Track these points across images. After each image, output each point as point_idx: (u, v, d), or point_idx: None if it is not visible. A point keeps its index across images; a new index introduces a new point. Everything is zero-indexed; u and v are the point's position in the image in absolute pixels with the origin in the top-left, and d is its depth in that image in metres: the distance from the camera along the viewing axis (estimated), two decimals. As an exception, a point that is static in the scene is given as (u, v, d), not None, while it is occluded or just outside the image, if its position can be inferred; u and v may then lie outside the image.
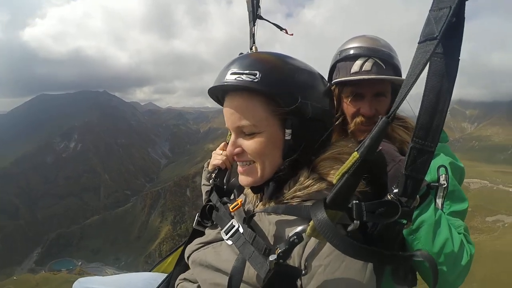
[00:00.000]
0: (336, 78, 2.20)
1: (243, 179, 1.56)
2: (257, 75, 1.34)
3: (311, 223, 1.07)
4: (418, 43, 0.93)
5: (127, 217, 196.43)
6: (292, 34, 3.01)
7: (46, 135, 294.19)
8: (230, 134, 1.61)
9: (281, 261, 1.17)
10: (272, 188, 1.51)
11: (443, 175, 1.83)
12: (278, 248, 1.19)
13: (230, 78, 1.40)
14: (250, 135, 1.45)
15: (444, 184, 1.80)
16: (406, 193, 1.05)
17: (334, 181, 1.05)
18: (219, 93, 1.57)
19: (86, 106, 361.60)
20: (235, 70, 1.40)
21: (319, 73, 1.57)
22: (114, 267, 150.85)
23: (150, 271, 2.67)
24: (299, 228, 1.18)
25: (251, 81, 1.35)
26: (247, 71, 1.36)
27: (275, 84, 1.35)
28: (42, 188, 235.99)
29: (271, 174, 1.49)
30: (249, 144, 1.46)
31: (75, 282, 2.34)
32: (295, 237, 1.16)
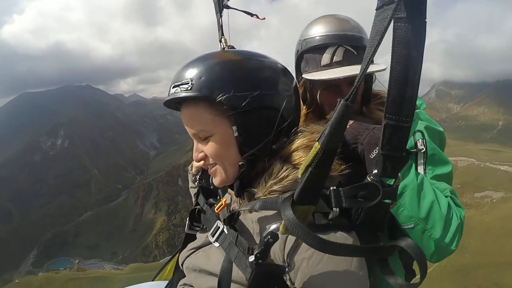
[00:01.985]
0: (306, 71, 2.09)
1: (214, 180, 1.57)
2: (189, 82, 1.36)
3: (282, 222, 1.03)
4: (375, 9, 0.85)
5: (120, 211, 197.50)
6: (264, 18, 2.90)
7: (32, 134, 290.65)
8: None
9: (260, 261, 1.15)
10: (237, 185, 1.51)
11: (420, 139, 1.76)
12: (255, 249, 1.18)
13: (172, 92, 1.42)
14: (205, 139, 1.47)
15: (423, 148, 1.74)
16: (386, 173, 1.00)
17: (299, 176, 0.99)
18: (173, 106, 1.57)
19: (70, 102, 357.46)
20: (174, 83, 1.42)
21: (269, 61, 1.51)
22: (112, 262, 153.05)
23: (153, 280, 2.70)
24: (273, 227, 1.17)
25: (186, 90, 1.36)
26: (181, 81, 1.38)
27: (208, 86, 1.35)
28: (32, 188, 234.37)
29: (235, 172, 1.49)
30: (206, 149, 1.48)
31: None
32: (269, 236, 1.15)
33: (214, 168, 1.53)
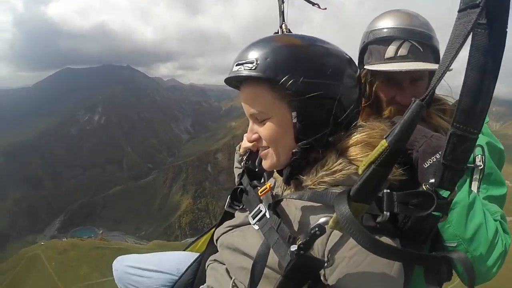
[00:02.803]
0: (369, 62, 2.04)
1: (264, 163, 1.55)
2: (254, 62, 1.34)
3: (334, 215, 1.00)
4: (458, 11, 0.82)
5: (149, 189, 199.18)
6: (325, 8, 2.86)
7: (70, 108, 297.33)
8: None
9: (302, 252, 1.12)
10: (287, 172, 1.49)
11: (479, 155, 1.67)
12: (299, 239, 1.15)
13: (235, 69, 1.41)
14: (262, 121, 1.45)
15: (480, 165, 1.65)
16: (444, 184, 0.96)
17: (360, 172, 0.97)
18: (234, 83, 1.58)
19: (110, 80, 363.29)
20: (238, 61, 1.41)
21: (335, 50, 1.47)
22: (135, 236, 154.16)
23: (184, 250, 2.72)
24: (321, 220, 1.12)
25: (250, 69, 1.35)
26: (246, 60, 1.37)
27: (273, 68, 1.32)
28: (66, 159, 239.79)
29: (287, 158, 1.46)
30: (262, 130, 1.46)
31: (114, 262, 2.46)
32: (316, 229, 1.11)
33: (266, 151, 1.50)
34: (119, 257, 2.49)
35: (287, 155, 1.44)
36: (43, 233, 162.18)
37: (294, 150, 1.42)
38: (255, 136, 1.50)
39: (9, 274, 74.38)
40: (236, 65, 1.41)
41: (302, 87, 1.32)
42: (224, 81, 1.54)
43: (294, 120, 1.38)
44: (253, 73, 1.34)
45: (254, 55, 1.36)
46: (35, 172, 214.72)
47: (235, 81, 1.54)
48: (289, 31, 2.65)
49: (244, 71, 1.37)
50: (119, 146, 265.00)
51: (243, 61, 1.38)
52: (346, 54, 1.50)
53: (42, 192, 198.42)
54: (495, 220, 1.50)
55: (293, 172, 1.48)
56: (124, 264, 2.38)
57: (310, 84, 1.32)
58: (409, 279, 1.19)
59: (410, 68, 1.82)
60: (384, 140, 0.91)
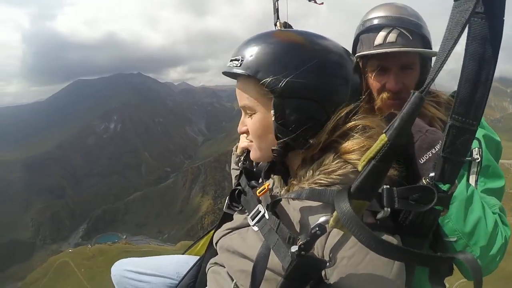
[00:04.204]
0: (360, 51, 2.07)
1: (250, 154, 1.57)
2: (239, 59, 1.36)
3: (334, 213, 0.98)
4: (454, 0, 0.80)
5: (169, 193, 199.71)
6: (322, 3, 2.82)
7: (86, 118, 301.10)
8: None
9: (302, 252, 1.09)
10: (265, 168, 1.55)
11: (476, 148, 1.68)
12: (300, 239, 1.12)
13: (228, 64, 1.44)
14: (250, 115, 1.47)
15: (478, 158, 1.66)
16: (444, 178, 0.95)
17: (360, 168, 0.94)
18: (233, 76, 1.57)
19: (122, 89, 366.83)
20: (231, 57, 1.43)
21: (327, 48, 1.41)
22: (158, 239, 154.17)
23: (183, 254, 2.69)
24: (321, 219, 1.10)
25: (236, 66, 1.38)
26: (235, 57, 1.39)
27: (254, 66, 1.33)
28: (85, 168, 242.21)
29: (269, 154, 1.47)
30: (248, 124, 1.48)
31: (112, 267, 2.43)
32: (317, 228, 1.09)
33: (251, 143, 1.53)
34: (117, 262, 2.46)
35: (268, 151, 1.46)
36: (67, 241, 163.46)
37: (273, 148, 1.42)
38: (244, 128, 1.53)
39: (39, 282, 74.82)
40: (230, 61, 1.43)
41: (282, 87, 1.30)
42: (222, 73, 1.55)
43: (273, 118, 1.37)
44: (237, 70, 1.37)
45: (242, 52, 1.39)
46: (56, 182, 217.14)
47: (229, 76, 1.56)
48: (289, 26, 2.63)
49: (232, 67, 1.40)
50: (136, 152, 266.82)
51: (234, 57, 1.41)
52: (340, 51, 1.44)
53: (64, 200, 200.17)
54: (494, 213, 1.50)
55: (273, 169, 1.54)
56: (122, 269, 2.35)
57: (290, 84, 1.30)
58: (411, 277, 1.17)
59: (395, 50, 1.86)
60: (384, 134, 0.89)
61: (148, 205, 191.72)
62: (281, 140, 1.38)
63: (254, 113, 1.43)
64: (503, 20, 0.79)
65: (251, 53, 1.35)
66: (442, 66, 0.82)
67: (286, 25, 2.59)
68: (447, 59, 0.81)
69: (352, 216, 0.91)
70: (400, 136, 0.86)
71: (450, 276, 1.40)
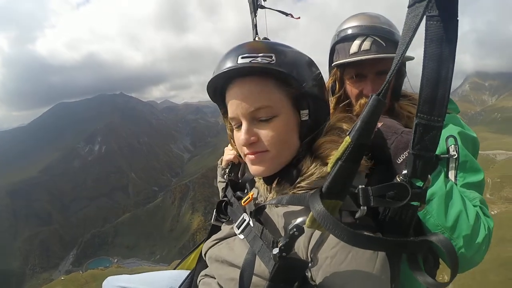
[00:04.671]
0: (336, 61, 2.14)
1: (255, 168, 1.46)
2: (273, 57, 1.31)
3: (310, 214, 1.00)
4: (407, 7, 0.85)
5: (158, 212, 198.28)
6: (299, 18, 2.90)
7: (70, 141, 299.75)
8: (234, 128, 1.54)
9: (284, 254, 1.12)
10: (294, 176, 1.43)
11: (452, 145, 1.74)
12: (280, 242, 1.15)
13: (243, 61, 1.32)
14: (267, 120, 1.38)
15: (455, 154, 1.71)
16: (416, 174, 0.99)
17: (328, 169, 0.99)
18: (222, 81, 1.46)
19: (105, 110, 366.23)
20: (246, 54, 1.33)
21: (309, 57, 1.51)
22: (150, 261, 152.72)
23: (175, 269, 2.69)
24: (298, 220, 1.17)
25: (268, 62, 1.30)
26: (262, 54, 1.32)
27: (289, 66, 1.33)
28: (72, 192, 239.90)
29: (287, 160, 1.44)
30: (266, 132, 1.38)
31: (104, 282, 2.40)
32: (295, 229, 1.12)
33: (263, 154, 1.42)
34: (109, 277, 2.45)
35: (287, 156, 1.43)
36: (58, 268, 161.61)
37: (300, 149, 1.44)
38: (254, 138, 1.40)
39: (34, 312, 74.32)
40: (244, 58, 1.32)
41: (312, 88, 1.39)
42: (214, 78, 1.41)
43: (305, 118, 1.40)
44: (274, 67, 1.30)
45: (268, 50, 1.34)
46: (43, 208, 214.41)
47: (228, 78, 1.42)
48: (265, 38, 2.65)
49: (263, 63, 1.30)
50: (122, 173, 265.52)
51: (256, 55, 1.32)
52: None
53: (52, 227, 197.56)
54: (475, 206, 1.53)
55: (287, 173, 1.46)
56: (115, 285, 2.32)
57: (314, 84, 1.40)
58: (396, 272, 1.20)
59: (369, 57, 1.95)
60: (348, 136, 0.93)
61: (138, 226, 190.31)
62: (307, 139, 1.42)
63: (276, 116, 1.37)
64: (457, 20, 0.83)
65: (280, 53, 1.34)
66: (395, 69, 0.87)
67: (265, 39, 2.56)
68: (399, 61, 0.86)
69: (325, 214, 0.94)
70: (361, 136, 0.91)
71: (437, 268, 1.44)
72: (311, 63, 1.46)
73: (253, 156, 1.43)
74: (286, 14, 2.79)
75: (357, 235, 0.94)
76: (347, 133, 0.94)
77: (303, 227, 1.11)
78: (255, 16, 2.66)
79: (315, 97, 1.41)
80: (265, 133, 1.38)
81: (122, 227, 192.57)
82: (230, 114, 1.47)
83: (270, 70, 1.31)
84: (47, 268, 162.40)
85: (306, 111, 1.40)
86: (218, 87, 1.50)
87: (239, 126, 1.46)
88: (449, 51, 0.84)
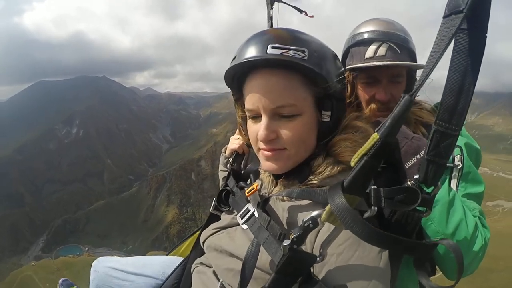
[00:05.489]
0: (350, 64, 2.17)
1: (269, 165, 1.45)
2: (305, 52, 1.28)
3: (327, 207, 1.03)
4: (443, 17, 0.87)
5: (132, 202, 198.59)
6: (312, 16, 2.90)
7: (48, 122, 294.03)
8: (249, 119, 1.50)
9: (295, 246, 1.13)
10: (305, 174, 1.44)
11: (458, 155, 1.76)
12: (292, 233, 1.15)
13: (273, 52, 1.28)
14: (289, 117, 1.36)
15: (459, 165, 1.73)
16: (427, 180, 0.99)
17: (352, 164, 1.00)
18: (242, 69, 1.42)
19: (86, 92, 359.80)
20: (277, 44, 1.28)
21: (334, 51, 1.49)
22: (122, 251, 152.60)
23: (167, 255, 2.71)
24: (314, 213, 1.15)
25: (301, 58, 1.27)
26: (294, 47, 1.28)
27: (319, 63, 1.30)
28: (46, 174, 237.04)
29: (303, 159, 1.45)
30: (287, 131, 1.37)
31: (94, 261, 2.41)
32: (310, 222, 1.13)
33: (279, 152, 1.41)
34: (100, 258, 2.45)
35: (303, 155, 1.44)
36: (27, 253, 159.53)
37: (316, 150, 1.44)
38: (273, 135, 1.38)
39: (2, 297, 73.40)
40: (274, 48, 1.28)
41: (337, 88, 1.37)
42: (235, 65, 1.37)
43: (326, 119, 1.40)
44: (306, 63, 1.27)
45: (301, 44, 1.30)
46: (15, 188, 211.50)
47: (250, 67, 1.38)
48: None
49: (294, 57, 1.27)
50: (99, 159, 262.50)
51: (288, 47, 1.28)
52: None
53: (23, 209, 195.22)
54: (474, 216, 1.57)
55: (300, 171, 1.46)
56: (106, 266, 2.33)
57: (339, 86, 1.38)
58: (395, 274, 1.21)
59: (387, 63, 1.96)
60: (376, 133, 0.95)
61: (111, 214, 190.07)
62: (325, 140, 1.43)
63: (299, 115, 1.36)
64: (486, 36, 0.85)
65: (313, 49, 1.32)
66: (429, 75, 0.88)
67: None
68: (433, 69, 0.87)
69: (346, 208, 0.97)
70: (390, 134, 0.93)
71: (433, 276, 1.41)
72: (336, 59, 1.45)
73: (269, 152, 1.41)
74: (301, 11, 2.80)
75: (375, 232, 0.97)
76: (376, 130, 0.95)
77: (318, 221, 1.13)
78: (271, 8, 2.68)
79: (339, 98, 1.41)
80: (285, 131, 1.37)
81: (95, 214, 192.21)
82: (248, 105, 1.43)
83: (301, 67, 1.28)
84: (16, 252, 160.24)
85: (329, 113, 1.39)
86: (238, 73, 1.45)
87: (255, 118, 1.44)
88: (475, 64, 0.86)
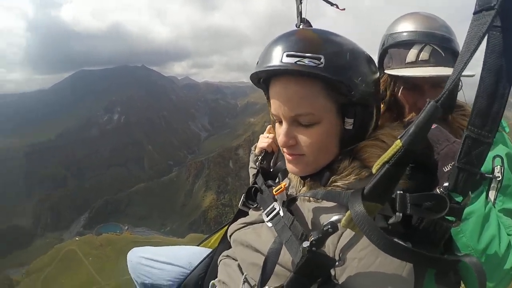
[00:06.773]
0: (389, 66, 2.05)
1: (290, 167, 1.48)
2: (321, 59, 1.21)
3: (347, 213, 1.00)
4: (473, 13, 0.81)
5: (172, 186, 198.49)
6: (344, 9, 2.75)
7: (89, 109, 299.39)
8: (276, 120, 1.49)
9: (314, 248, 1.10)
10: (326, 177, 1.40)
11: (498, 166, 1.67)
12: (312, 236, 1.13)
13: (288, 61, 1.24)
14: (307, 125, 1.34)
15: (499, 177, 1.63)
16: (457, 188, 0.95)
17: (374, 171, 0.96)
18: (264, 75, 1.42)
19: (126, 81, 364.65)
20: (292, 52, 1.24)
21: (368, 54, 1.41)
22: (160, 232, 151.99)
23: (197, 246, 2.76)
24: (334, 218, 1.13)
25: (316, 66, 1.21)
26: (309, 54, 1.21)
27: (339, 70, 1.23)
28: (88, 159, 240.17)
29: (325, 164, 1.41)
30: (305, 138, 1.35)
31: (129, 252, 2.50)
32: (329, 226, 1.11)
33: (299, 157, 1.41)
34: (134, 249, 2.55)
35: (323, 161, 1.41)
36: (68, 230, 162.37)
37: (340, 157, 1.39)
38: (292, 141, 1.38)
39: (45, 269, 73.71)
40: (289, 56, 1.24)
41: (362, 95, 1.30)
42: (254, 73, 1.41)
43: (349, 127, 1.35)
44: (321, 72, 1.21)
45: (317, 50, 1.23)
46: (57, 171, 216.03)
47: (272, 73, 1.37)
48: (308, 24, 2.59)
49: (309, 66, 1.21)
50: (139, 145, 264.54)
51: (303, 55, 1.22)
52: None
53: (66, 190, 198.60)
54: (509, 235, 1.47)
55: (321, 176, 1.42)
56: (138, 255, 2.43)
57: (365, 92, 1.31)
58: (420, 284, 1.15)
59: (434, 74, 1.81)
60: (399, 140, 0.90)
61: (151, 197, 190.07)
62: (348, 148, 1.39)
63: (318, 123, 1.33)
64: None
65: (330, 54, 1.24)
66: (458, 78, 0.84)
67: (309, 26, 2.51)
68: (463, 70, 0.82)
69: (364, 216, 0.94)
70: (414, 142, 0.88)
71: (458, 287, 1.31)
72: (369, 64, 1.37)
73: (290, 156, 1.43)
74: (332, 4, 2.68)
75: (393, 244, 0.94)
76: (399, 137, 0.91)
77: (338, 225, 1.11)
78: (301, 2, 2.58)
79: (366, 105, 1.35)
80: (303, 138, 1.36)
81: (135, 197, 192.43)
82: (272, 110, 1.44)
83: (317, 75, 1.23)
84: (58, 228, 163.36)
85: (351, 120, 1.34)
86: (262, 78, 1.45)
87: (280, 122, 1.43)
88: (509, 64, 0.81)
